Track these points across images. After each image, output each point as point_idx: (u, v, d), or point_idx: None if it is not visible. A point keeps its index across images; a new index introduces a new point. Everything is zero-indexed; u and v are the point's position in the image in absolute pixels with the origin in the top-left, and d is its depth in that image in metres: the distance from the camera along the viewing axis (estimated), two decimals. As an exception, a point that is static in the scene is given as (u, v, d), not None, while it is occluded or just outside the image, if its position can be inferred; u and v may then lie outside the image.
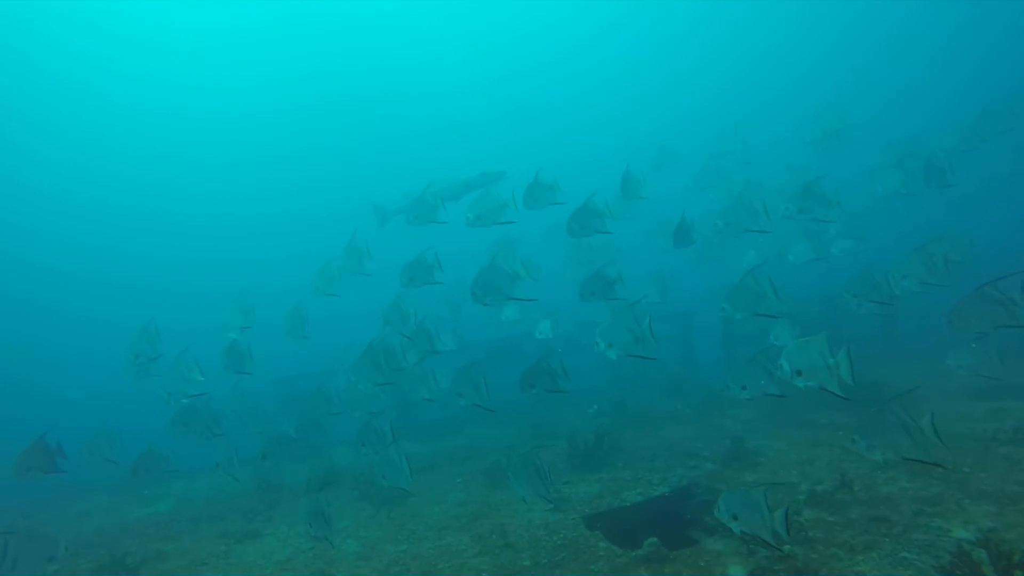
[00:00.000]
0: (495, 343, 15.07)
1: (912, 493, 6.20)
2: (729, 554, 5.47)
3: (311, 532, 5.96)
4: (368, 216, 12.84)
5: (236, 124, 44.51)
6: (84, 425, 6.46)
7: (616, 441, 9.57)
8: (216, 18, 40.06)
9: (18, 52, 36.35)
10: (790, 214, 6.48)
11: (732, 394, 5.40)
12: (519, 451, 9.01)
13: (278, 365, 14.27)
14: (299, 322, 7.86)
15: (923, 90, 35.79)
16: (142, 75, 41.24)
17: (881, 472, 6.92)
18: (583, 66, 43.54)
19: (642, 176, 7.67)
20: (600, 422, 11.38)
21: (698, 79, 43.36)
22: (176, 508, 10.28)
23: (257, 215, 45.22)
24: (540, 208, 7.11)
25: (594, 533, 6.51)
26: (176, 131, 44.35)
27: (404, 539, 7.24)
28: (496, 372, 15.12)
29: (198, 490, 11.08)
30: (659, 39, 42.53)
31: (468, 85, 43.34)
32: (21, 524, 10.40)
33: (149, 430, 7.65)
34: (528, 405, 14.75)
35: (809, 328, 6.82)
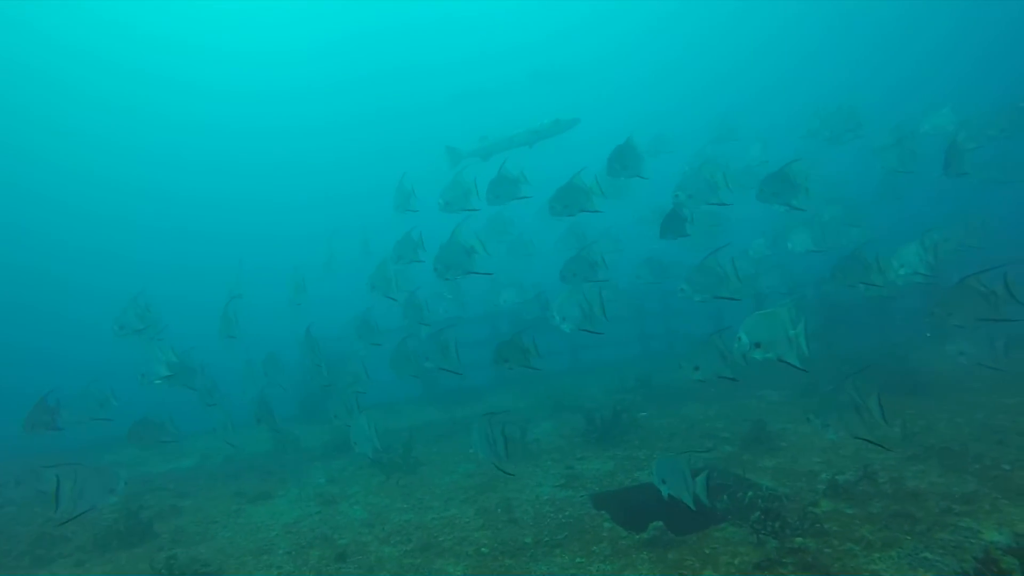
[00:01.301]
0: (520, 312, 14.85)
1: (942, 489, 5.79)
2: (737, 542, 5.21)
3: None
4: (441, 157, 12.38)
5: (246, 133, 44.75)
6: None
7: (635, 418, 9.33)
8: (237, 28, 40.26)
9: (26, 55, 36.91)
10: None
11: (685, 375, 5.35)
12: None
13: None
14: (229, 323, 8.16)
15: (926, 75, 34.01)
16: (151, 79, 41.67)
17: (911, 465, 6.51)
18: (591, 37, 42.29)
19: (642, 152, 6.80)
20: (622, 397, 11.13)
21: (692, 64, 42.19)
22: (198, 464, 10.54)
23: (271, 224, 45.20)
24: (504, 203, 6.91)
25: (600, 513, 6.32)
26: (182, 137, 44.71)
27: (410, 508, 7.20)
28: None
29: (220, 447, 11.32)
30: (663, 18, 41.32)
31: (489, 49, 42.25)
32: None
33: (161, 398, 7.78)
34: (553, 376, 14.61)
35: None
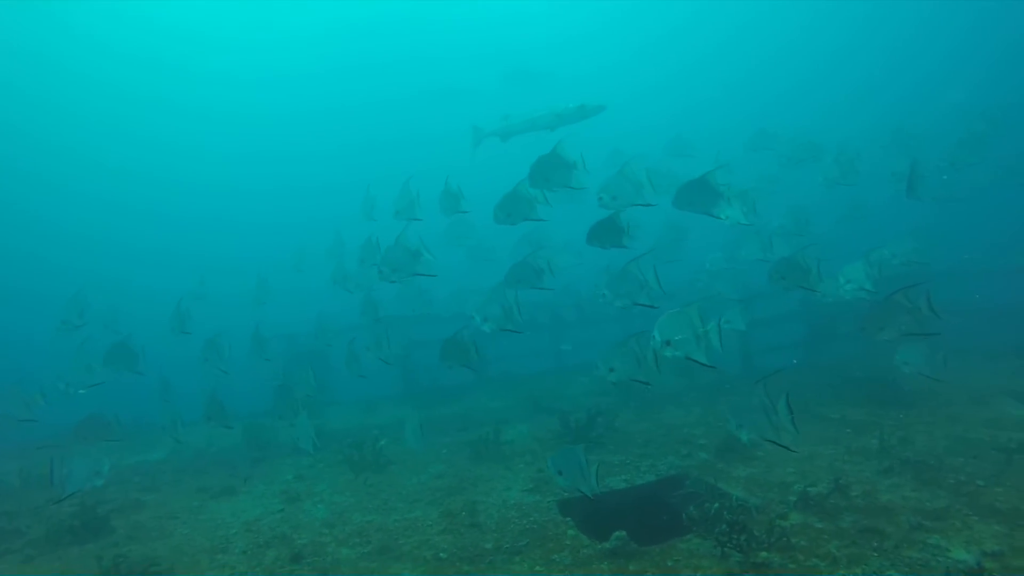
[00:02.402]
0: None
1: (914, 504, 5.65)
2: (700, 555, 5.05)
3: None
4: (467, 136, 12.08)
5: (251, 122, 44.16)
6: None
7: (611, 422, 9.17)
8: (239, 16, 39.69)
9: (38, 45, 36.46)
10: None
11: (599, 375, 5.33)
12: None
13: (282, 323, 14.26)
14: (181, 319, 8.31)
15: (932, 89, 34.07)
16: (162, 68, 41.11)
17: (885, 478, 6.37)
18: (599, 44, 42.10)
19: (573, 161, 6.28)
20: (601, 400, 10.97)
21: (697, 70, 42.15)
22: (167, 458, 10.33)
23: (271, 213, 44.37)
24: (449, 216, 6.86)
25: (566, 519, 6.16)
26: (187, 126, 44.11)
27: (374, 509, 7.02)
28: (503, 341, 14.86)
29: (192, 441, 11.12)
30: (672, 27, 41.48)
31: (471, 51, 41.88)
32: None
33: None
34: (536, 376, 14.46)
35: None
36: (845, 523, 5.40)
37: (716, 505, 5.42)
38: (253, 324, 9.16)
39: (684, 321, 4.94)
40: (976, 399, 8.94)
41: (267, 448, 10.05)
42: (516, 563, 5.32)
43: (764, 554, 4.88)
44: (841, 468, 6.79)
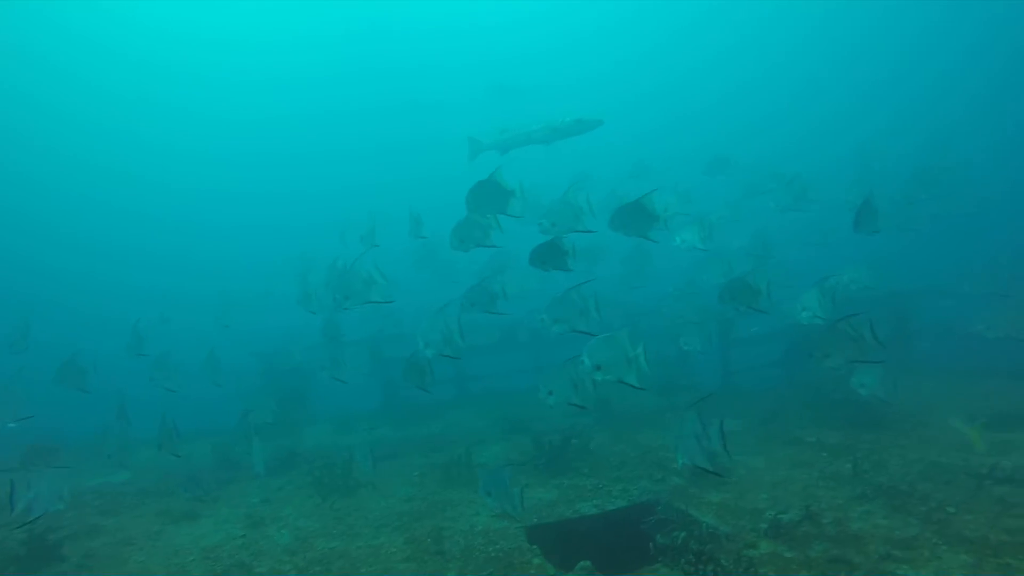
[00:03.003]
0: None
1: (885, 532, 5.56)
2: (666, 587, 4.92)
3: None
4: (463, 147, 11.97)
5: (248, 125, 43.91)
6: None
7: (586, 443, 9.04)
8: (231, 18, 39.75)
9: (34, 47, 36.21)
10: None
11: (540, 398, 5.42)
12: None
13: (256, 339, 14.06)
14: (139, 340, 8.40)
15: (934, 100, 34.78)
16: (156, 71, 40.95)
17: (858, 504, 6.28)
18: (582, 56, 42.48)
19: (512, 187, 6.23)
20: (578, 420, 10.84)
21: (685, 83, 42.53)
22: (131, 479, 10.04)
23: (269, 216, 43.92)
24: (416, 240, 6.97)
25: (532, 547, 6.00)
26: (183, 129, 43.93)
27: (339, 534, 6.83)
28: (486, 358, 14.72)
29: (160, 461, 10.85)
30: (663, 36, 42.04)
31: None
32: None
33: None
34: (517, 394, 14.25)
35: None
36: (815, 552, 5.29)
37: (683, 534, 5.31)
38: (209, 347, 9.01)
39: (614, 345, 5.03)
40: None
41: (238, 468, 9.81)
42: (477, 594, 5.16)
43: (730, 586, 4.76)
44: (814, 494, 6.70)
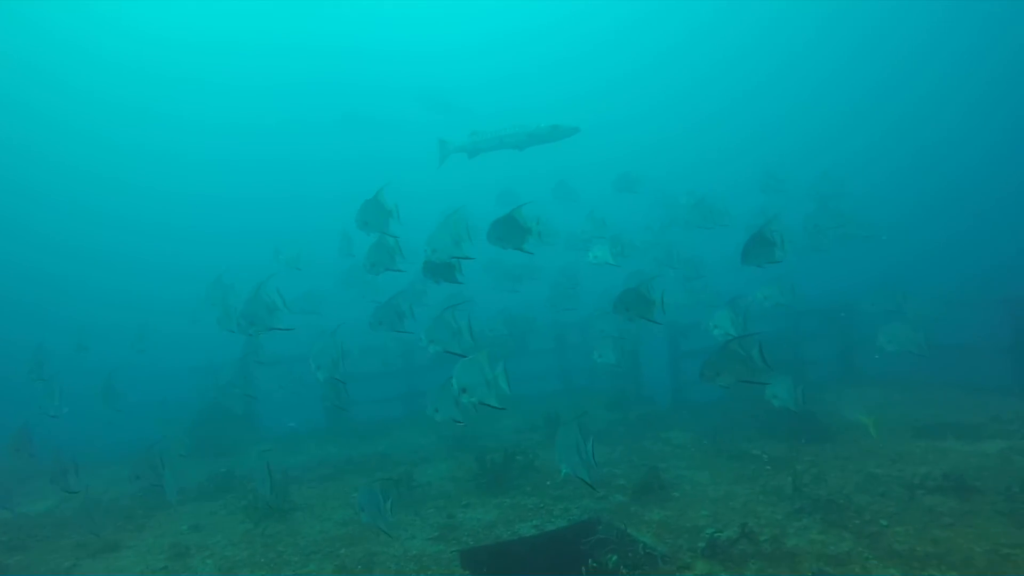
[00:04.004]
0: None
1: (819, 548, 5.51)
2: (595, 613, 4.76)
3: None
4: (433, 150, 11.69)
5: (239, 129, 43.50)
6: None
7: (531, 461, 8.85)
8: (220, 21, 39.44)
9: (24, 51, 35.57)
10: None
11: (429, 415, 5.70)
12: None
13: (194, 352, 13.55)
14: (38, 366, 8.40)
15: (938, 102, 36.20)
16: (146, 77, 40.66)
17: (795, 520, 6.24)
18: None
19: (390, 208, 6.42)
20: (526, 436, 10.67)
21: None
22: (55, 507, 9.46)
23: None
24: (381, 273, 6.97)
25: (464, 573, 5.78)
26: (173, 134, 43.32)
27: (266, 564, 6.48)
28: (439, 373, 14.46)
29: (91, 485, 10.27)
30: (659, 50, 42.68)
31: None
32: None
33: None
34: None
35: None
36: (749, 572, 5.21)
37: (614, 558, 5.17)
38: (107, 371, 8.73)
39: (474, 368, 5.25)
40: (895, 431, 9.01)
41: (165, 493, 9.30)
42: (401, 627, 4.91)
43: (660, 611, 4.63)
44: (755, 509, 6.65)
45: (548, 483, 8.26)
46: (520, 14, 42.41)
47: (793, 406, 7.12)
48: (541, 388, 15.34)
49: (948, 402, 10.58)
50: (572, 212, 11.74)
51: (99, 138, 42.67)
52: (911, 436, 8.79)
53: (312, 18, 40.20)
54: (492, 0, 41.90)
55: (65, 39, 37.43)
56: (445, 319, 5.93)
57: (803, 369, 13.21)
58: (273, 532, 7.39)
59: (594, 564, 5.26)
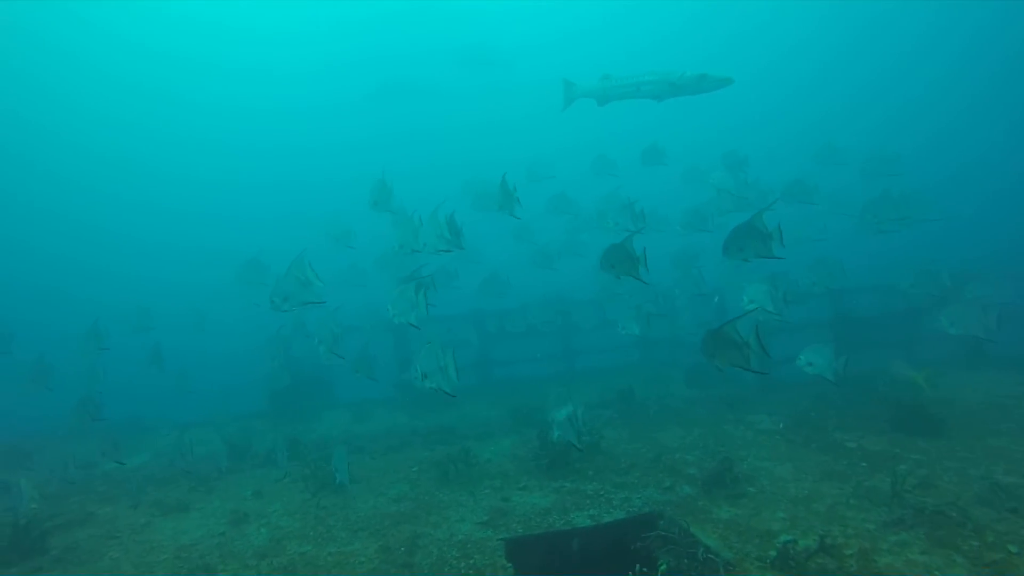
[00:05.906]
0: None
1: (921, 573, 4.62)
2: (639, 630, 4.22)
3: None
4: (559, 91, 10.71)
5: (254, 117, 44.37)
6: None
7: (598, 441, 8.33)
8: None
9: (49, 34, 36.66)
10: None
11: (415, 381, 6.01)
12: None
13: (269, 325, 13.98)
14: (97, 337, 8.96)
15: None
16: (173, 63, 41.48)
17: (891, 532, 5.31)
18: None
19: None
20: (597, 413, 10.10)
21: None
22: (143, 464, 10.11)
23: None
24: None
25: (507, 566, 5.41)
26: (188, 119, 44.37)
27: (315, 537, 6.45)
28: (511, 344, 14.20)
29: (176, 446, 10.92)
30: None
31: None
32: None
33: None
34: (540, 382, 13.61)
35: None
36: (826, 594, 4.45)
37: (664, 566, 4.57)
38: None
39: (430, 355, 5.73)
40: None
41: (243, 458, 9.68)
42: (429, 623, 4.62)
43: (712, 635, 4.02)
44: (841, 515, 5.77)
45: (613, 468, 7.71)
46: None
47: (832, 377, 6.79)
48: (619, 360, 14.70)
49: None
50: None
51: (145, 130, 44.07)
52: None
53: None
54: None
55: (97, 25, 38.31)
56: (406, 292, 6.36)
57: (914, 349, 11.70)
58: (328, 504, 7.39)
59: (642, 570, 4.70)
